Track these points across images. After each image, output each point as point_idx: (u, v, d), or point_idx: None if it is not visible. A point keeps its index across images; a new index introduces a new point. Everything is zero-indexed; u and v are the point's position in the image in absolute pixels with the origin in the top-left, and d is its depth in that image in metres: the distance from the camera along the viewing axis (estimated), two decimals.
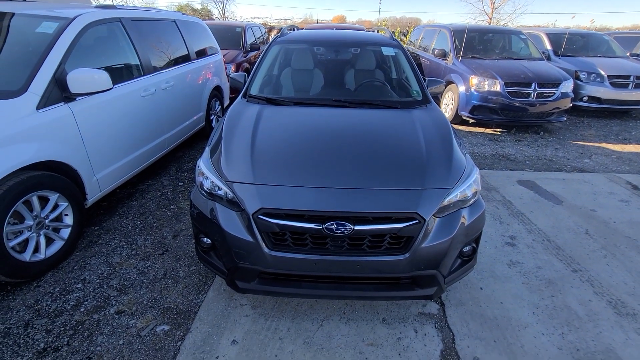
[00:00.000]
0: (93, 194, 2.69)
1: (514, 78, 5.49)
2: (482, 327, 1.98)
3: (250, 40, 8.08)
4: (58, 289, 2.18)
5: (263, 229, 1.63)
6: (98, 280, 2.27)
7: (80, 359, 1.74)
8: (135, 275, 2.32)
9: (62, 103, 2.37)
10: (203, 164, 1.91)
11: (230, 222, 1.68)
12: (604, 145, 5.36)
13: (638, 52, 8.67)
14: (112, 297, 2.13)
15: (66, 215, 2.45)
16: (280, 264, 1.66)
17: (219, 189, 1.76)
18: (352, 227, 1.58)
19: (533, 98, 5.46)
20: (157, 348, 1.80)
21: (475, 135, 5.65)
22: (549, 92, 5.48)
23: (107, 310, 2.04)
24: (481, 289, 2.27)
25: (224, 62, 5.80)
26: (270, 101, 2.52)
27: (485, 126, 6.01)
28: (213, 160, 1.92)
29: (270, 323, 1.96)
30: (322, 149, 1.92)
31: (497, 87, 5.44)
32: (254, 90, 2.70)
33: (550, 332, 1.96)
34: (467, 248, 1.87)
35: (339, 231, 1.58)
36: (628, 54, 7.60)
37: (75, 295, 2.14)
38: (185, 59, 4.21)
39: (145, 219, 2.99)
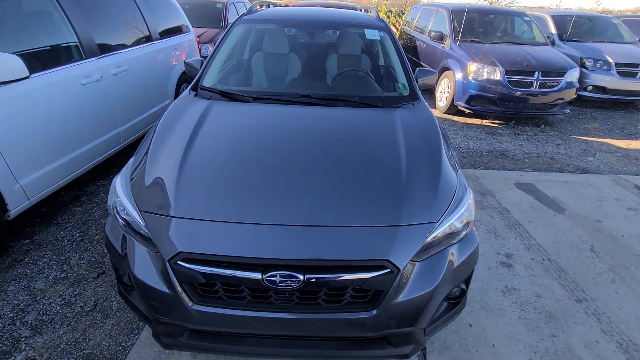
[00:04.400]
0: (17, 204, 2.25)
1: (515, 65, 5.02)
2: None
3: (233, 17, 7.43)
4: None
5: (184, 278, 1.23)
6: (11, 315, 1.87)
7: None
8: (58, 307, 1.93)
9: None
10: (119, 183, 1.49)
11: (143, 265, 1.28)
12: (608, 140, 4.98)
13: None
14: (22, 339, 1.75)
15: None
16: (209, 321, 1.28)
17: (134, 219, 1.35)
18: (301, 278, 1.19)
19: (535, 88, 5.01)
20: None
21: (471, 127, 5.23)
22: (553, 82, 5.03)
23: (12, 357, 1.66)
24: (470, 325, 1.93)
25: (198, 41, 5.24)
26: (224, 95, 2.07)
27: (483, 117, 5.58)
28: (134, 177, 1.50)
29: None
30: (273, 167, 1.50)
31: (497, 75, 4.98)
32: (207, 81, 2.24)
33: None
34: (455, 289, 1.50)
35: (283, 284, 1.19)
36: (638, 39, 7.10)
37: None
38: (146, 38, 3.68)
39: (86, 229, 2.57)
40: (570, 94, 5.18)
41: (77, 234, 2.52)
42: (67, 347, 1.72)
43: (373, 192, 1.40)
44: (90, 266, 2.23)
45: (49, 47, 2.51)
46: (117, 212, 1.43)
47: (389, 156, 1.58)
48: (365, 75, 2.39)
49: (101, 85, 2.91)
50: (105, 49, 3.00)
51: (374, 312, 1.25)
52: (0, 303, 1.94)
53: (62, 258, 2.29)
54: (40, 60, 2.39)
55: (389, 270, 1.23)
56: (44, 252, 2.33)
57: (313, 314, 1.26)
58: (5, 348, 1.70)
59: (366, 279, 1.22)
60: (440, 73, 5.72)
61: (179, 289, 1.23)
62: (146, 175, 1.45)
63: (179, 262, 1.21)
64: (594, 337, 1.90)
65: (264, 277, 1.19)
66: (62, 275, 2.16)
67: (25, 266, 2.21)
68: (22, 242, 2.42)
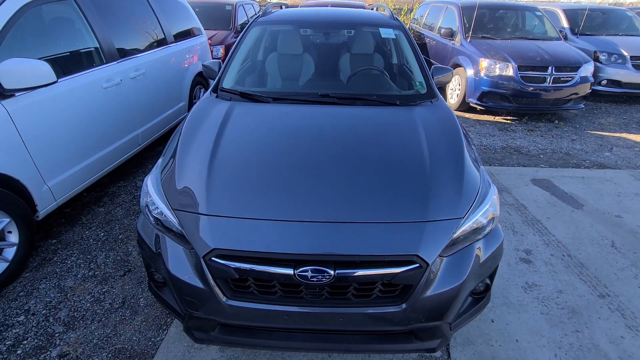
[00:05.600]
0: (45, 205, 2.33)
1: (528, 61, 4.97)
2: None
3: (242, 19, 7.48)
4: None
5: (218, 274, 1.27)
6: (44, 311, 1.94)
7: None
8: (88, 304, 2.00)
9: None
10: (150, 183, 1.54)
11: (177, 262, 1.32)
12: (625, 135, 4.90)
13: None
14: (56, 335, 1.81)
15: (9, 232, 2.11)
16: (242, 316, 1.31)
17: (167, 217, 1.40)
18: (332, 273, 1.22)
19: (549, 83, 4.96)
20: None
21: (484, 124, 5.19)
22: (567, 77, 4.97)
23: (48, 352, 1.72)
24: (493, 321, 1.93)
25: (210, 44, 5.31)
26: (244, 96, 2.11)
27: (495, 114, 5.54)
28: (163, 177, 1.54)
29: None
30: (299, 165, 1.53)
31: (510, 71, 4.94)
32: (227, 83, 2.28)
33: None
34: (480, 284, 1.52)
35: (315, 279, 1.22)
36: None
37: (14, 331, 1.82)
38: (160, 42, 3.75)
39: (110, 229, 2.64)
40: (585, 89, 5.11)
41: (102, 234, 2.59)
42: (99, 343, 1.78)
43: (399, 188, 1.42)
44: (116, 264, 2.30)
45: (73, 53, 2.58)
46: (150, 211, 1.48)
47: (412, 153, 1.60)
48: (382, 74, 2.41)
49: (121, 89, 2.98)
50: (124, 53, 3.07)
51: (403, 306, 1.27)
52: (34, 300, 2.01)
53: (89, 257, 2.36)
54: (65, 65, 2.46)
55: (418, 265, 1.25)
56: (71, 252, 2.40)
57: (343, 308, 1.29)
58: (41, 343, 1.77)
59: (395, 274, 1.24)
60: (452, 75, 5.70)
61: (213, 284, 1.27)
62: (176, 175, 1.50)
63: (213, 258, 1.25)
64: (618, 333, 1.89)
65: (295, 272, 1.22)
66: (90, 273, 2.22)
67: (54, 265, 2.28)
68: (49, 241, 2.49)
